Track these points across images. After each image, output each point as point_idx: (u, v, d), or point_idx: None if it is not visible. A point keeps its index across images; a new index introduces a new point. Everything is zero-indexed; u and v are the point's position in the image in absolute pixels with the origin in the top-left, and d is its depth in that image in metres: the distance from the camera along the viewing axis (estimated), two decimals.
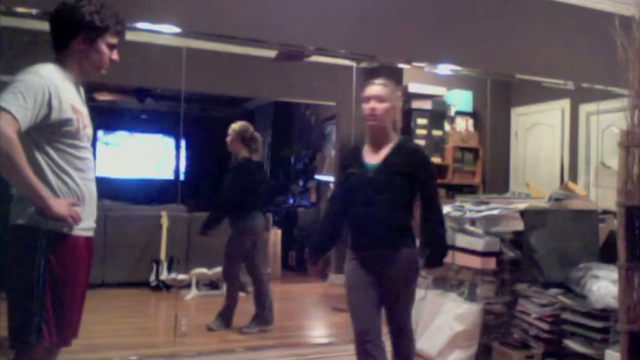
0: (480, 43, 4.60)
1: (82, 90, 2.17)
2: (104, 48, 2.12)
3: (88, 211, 2.11)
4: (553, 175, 5.58)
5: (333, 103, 6.70)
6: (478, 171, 5.84)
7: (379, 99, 2.62)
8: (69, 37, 2.08)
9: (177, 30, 3.69)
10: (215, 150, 9.37)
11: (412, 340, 2.78)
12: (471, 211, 3.97)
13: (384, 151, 2.65)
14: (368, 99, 2.65)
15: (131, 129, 9.54)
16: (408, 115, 5.52)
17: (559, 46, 4.78)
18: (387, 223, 2.59)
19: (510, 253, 3.80)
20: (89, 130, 2.14)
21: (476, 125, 5.93)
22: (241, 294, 4.68)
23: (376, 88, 2.65)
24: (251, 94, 7.63)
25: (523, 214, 3.83)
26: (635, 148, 2.63)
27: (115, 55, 2.18)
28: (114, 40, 2.15)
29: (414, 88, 5.57)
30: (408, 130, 5.39)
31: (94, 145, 2.20)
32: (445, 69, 4.68)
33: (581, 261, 3.61)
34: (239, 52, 5.12)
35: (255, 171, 4.50)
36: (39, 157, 1.98)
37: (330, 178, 6.99)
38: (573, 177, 5.42)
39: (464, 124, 5.89)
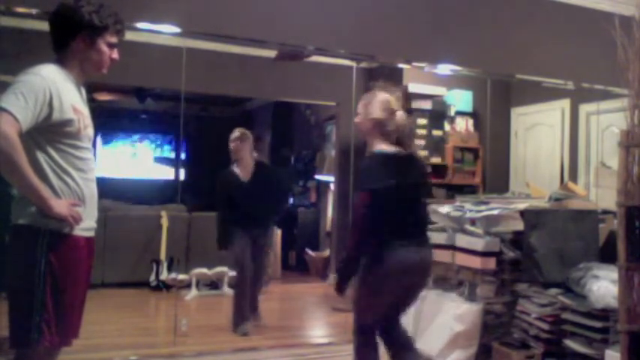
0: (480, 43, 4.60)
1: (83, 90, 2.17)
2: (104, 47, 2.13)
3: (89, 211, 2.11)
4: (553, 175, 5.58)
5: (333, 103, 6.70)
6: (478, 171, 5.84)
7: (357, 113, 2.78)
8: (69, 37, 2.08)
9: (177, 30, 3.69)
10: (215, 150, 9.41)
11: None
12: (471, 211, 3.97)
13: None
14: None
15: (131, 129, 9.54)
16: (408, 115, 5.51)
17: (559, 46, 4.79)
18: None
19: (510, 253, 3.80)
20: (90, 131, 2.14)
21: (476, 125, 5.93)
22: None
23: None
24: (251, 94, 7.62)
25: (523, 214, 3.83)
26: (635, 148, 2.62)
27: (115, 55, 2.18)
28: (114, 40, 2.15)
29: (414, 88, 5.57)
30: None
31: (94, 145, 2.20)
32: (445, 69, 4.68)
33: (581, 261, 3.61)
34: (239, 52, 5.12)
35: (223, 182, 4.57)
36: (40, 157, 1.99)
37: (330, 178, 6.99)
38: (573, 177, 5.42)
39: (464, 124, 5.89)
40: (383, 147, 2.70)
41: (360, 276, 2.68)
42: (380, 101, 2.71)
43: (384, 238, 2.60)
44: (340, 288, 2.71)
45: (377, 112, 2.70)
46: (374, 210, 2.54)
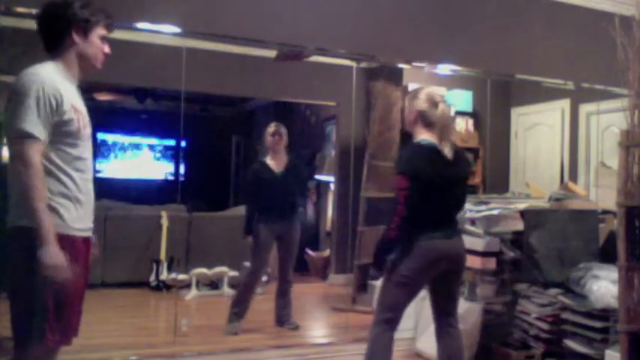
0: (480, 43, 4.60)
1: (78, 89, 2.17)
2: (97, 41, 2.14)
3: (87, 211, 2.12)
4: (553, 175, 5.58)
5: (333, 103, 6.70)
6: (478, 171, 5.83)
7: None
8: (63, 33, 2.09)
9: (177, 30, 3.69)
10: (215, 150, 9.41)
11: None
12: (471, 211, 3.97)
13: None
14: None
15: (131, 129, 9.55)
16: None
17: (559, 46, 4.78)
18: None
19: (510, 253, 3.80)
20: (88, 130, 2.14)
21: (476, 125, 5.93)
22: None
23: None
24: (251, 94, 7.62)
25: (523, 214, 3.83)
26: (635, 148, 2.63)
27: (107, 49, 2.19)
28: (105, 33, 2.17)
29: (413, 88, 5.55)
30: None
31: (93, 145, 2.21)
32: (445, 69, 4.68)
33: (581, 261, 3.62)
34: (239, 52, 5.11)
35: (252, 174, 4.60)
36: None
37: (330, 178, 6.99)
38: (573, 177, 5.42)
39: (464, 124, 5.89)
40: (425, 137, 2.75)
41: (389, 266, 2.75)
42: (425, 93, 2.82)
43: (415, 226, 2.65)
44: (377, 265, 2.80)
45: (421, 104, 2.78)
46: (411, 196, 2.60)
